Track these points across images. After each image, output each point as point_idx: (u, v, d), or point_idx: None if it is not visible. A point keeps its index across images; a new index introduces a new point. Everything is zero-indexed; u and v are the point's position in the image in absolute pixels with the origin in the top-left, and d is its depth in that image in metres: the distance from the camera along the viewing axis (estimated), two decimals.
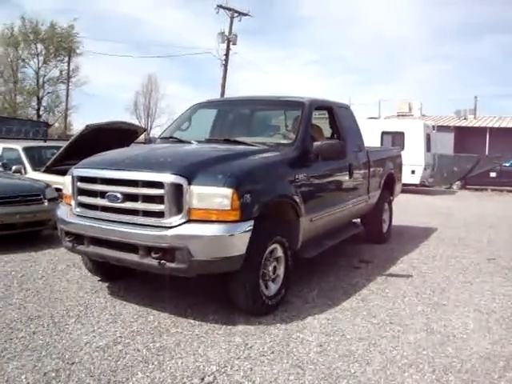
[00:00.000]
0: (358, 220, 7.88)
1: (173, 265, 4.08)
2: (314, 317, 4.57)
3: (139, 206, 4.31)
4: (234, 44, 28.32)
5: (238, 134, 5.94)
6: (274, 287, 4.68)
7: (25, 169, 9.45)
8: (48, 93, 47.99)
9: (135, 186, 4.33)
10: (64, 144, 9.73)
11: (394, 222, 9.09)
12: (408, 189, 17.33)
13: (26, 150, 10.12)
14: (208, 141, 5.97)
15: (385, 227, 8.32)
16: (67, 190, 5.02)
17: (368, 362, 3.66)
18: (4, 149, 10.59)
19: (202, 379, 3.33)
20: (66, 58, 44.74)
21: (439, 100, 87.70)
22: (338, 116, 6.58)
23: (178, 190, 4.13)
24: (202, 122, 6.87)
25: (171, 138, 6.14)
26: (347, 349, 3.89)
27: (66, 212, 4.93)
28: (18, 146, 10.37)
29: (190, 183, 4.12)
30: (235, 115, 6.87)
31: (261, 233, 4.30)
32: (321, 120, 6.77)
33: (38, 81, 46.80)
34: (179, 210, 4.13)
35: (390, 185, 8.40)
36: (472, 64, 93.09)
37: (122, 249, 4.34)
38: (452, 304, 5.07)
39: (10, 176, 8.60)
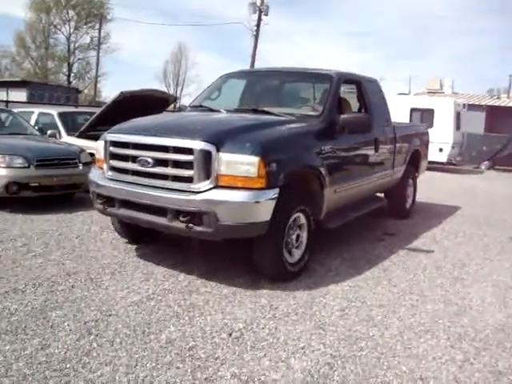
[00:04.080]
0: (382, 194, 7.98)
1: (200, 228, 4.24)
2: (336, 283, 4.77)
3: (169, 171, 4.45)
4: (265, 15, 28.08)
5: (267, 105, 6.00)
6: (296, 254, 4.84)
7: (59, 133, 9.75)
8: (78, 59, 48.80)
9: (166, 151, 4.46)
10: (96, 110, 10.01)
11: (420, 199, 9.19)
12: (435, 166, 17.28)
13: (60, 115, 10.42)
14: (237, 110, 6.07)
15: (408, 203, 8.40)
16: (100, 154, 5.18)
17: (386, 327, 3.86)
18: (40, 114, 10.90)
19: (230, 334, 3.58)
20: (97, 25, 44.96)
21: (472, 78, 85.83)
22: (365, 90, 6.67)
23: (206, 156, 4.26)
24: (231, 91, 6.97)
25: (201, 106, 6.27)
26: (367, 314, 4.09)
27: (98, 175, 5.12)
28: (53, 111, 10.68)
29: (218, 150, 4.25)
30: (264, 86, 6.95)
31: (285, 201, 4.43)
32: (350, 95, 6.87)
33: (68, 47, 47.54)
34: (207, 176, 4.26)
35: (415, 161, 8.44)
36: (508, 40, 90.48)
37: (152, 212, 4.51)
38: (471, 278, 5.22)
39: (46, 140, 8.91)
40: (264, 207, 4.26)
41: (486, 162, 22.15)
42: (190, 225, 4.25)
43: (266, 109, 5.69)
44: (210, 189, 4.25)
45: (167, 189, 4.44)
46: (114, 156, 4.93)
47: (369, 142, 6.38)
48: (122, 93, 8.86)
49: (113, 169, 4.95)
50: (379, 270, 5.27)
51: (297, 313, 4.03)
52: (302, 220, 4.87)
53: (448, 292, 4.76)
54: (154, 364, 3.13)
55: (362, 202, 6.65)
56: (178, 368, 3.08)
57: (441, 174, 16.86)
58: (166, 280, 4.63)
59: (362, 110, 6.60)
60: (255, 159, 4.19)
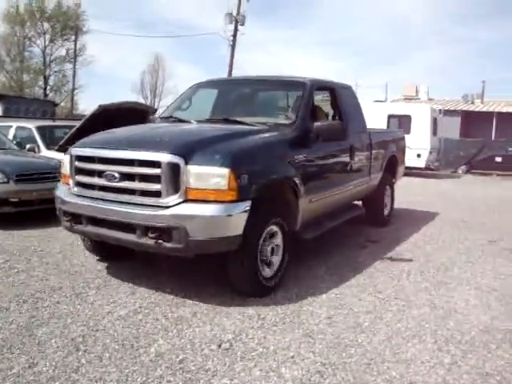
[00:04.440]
0: (360, 202, 7.88)
1: (170, 244, 4.10)
2: (322, 291, 4.79)
3: (136, 185, 4.31)
4: (241, 25, 28.18)
5: (238, 114, 5.86)
6: (272, 268, 4.70)
7: (38, 147, 9.67)
8: (55, 72, 48.21)
9: (132, 165, 4.32)
10: (75, 123, 9.93)
11: (400, 204, 9.30)
12: (413, 172, 17.51)
13: (38, 128, 10.35)
14: (208, 120, 5.93)
15: (386, 210, 8.33)
16: (65, 169, 5.01)
17: (374, 333, 3.89)
18: (17, 128, 10.80)
19: (219, 346, 3.57)
20: (73, 37, 44.79)
21: (447, 84, 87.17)
22: (339, 97, 6.57)
23: (174, 169, 4.12)
24: (202, 101, 6.83)
25: (171, 117, 6.13)
26: (354, 321, 4.12)
27: (65, 191, 4.94)
28: (31, 125, 10.60)
29: (186, 163, 4.11)
30: (236, 95, 6.81)
31: (258, 213, 4.31)
32: (326, 102, 6.85)
33: (44, 60, 46.89)
34: (176, 190, 4.13)
35: (392, 167, 8.39)
36: (480, 48, 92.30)
37: (120, 228, 4.35)
38: (455, 282, 5.28)
39: (25, 154, 8.82)
40: (236, 220, 4.14)
41: (463, 167, 22.53)
42: (160, 241, 4.11)
43: (237, 119, 5.54)
44: (180, 203, 4.13)
45: (135, 204, 4.30)
46: (80, 171, 4.78)
47: (344, 149, 6.30)
48: (100, 106, 8.77)
49: (79, 184, 4.78)
50: (364, 277, 5.31)
51: (285, 322, 4.04)
52: (277, 232, 4.73)
53: (433, 296, 4.81)
54: (144, 378, 3.11)
55: (339, 210, 6.56)
56: (169, 381, 3.07)
57: (419, 180, 17.09)
58: (151, 293, 4.60)
59: (337, 118, 6.48)
60: (225, 171, 4.07)
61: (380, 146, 7.76)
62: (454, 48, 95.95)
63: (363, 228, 7.82)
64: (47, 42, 46.81)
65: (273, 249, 4.69)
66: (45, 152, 9.51)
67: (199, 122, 5.71)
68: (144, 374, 3.15)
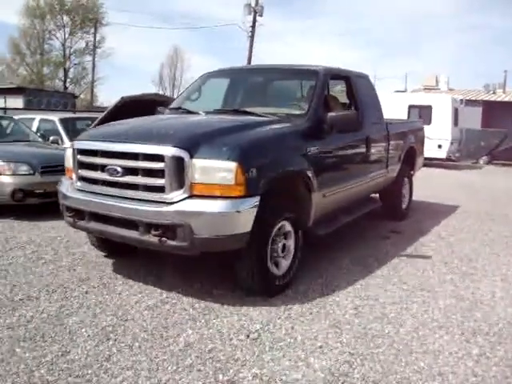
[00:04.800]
0: (377, 195, 7.71)
1: (174, 242, 3.93)
2: (348, 282, 4.81)
3: (139, 180, 4.15)
4: (260, 15, 28.12)
5: (249, 105, 5.71)
6: (283, 266, 4.53)
7: (62, 139, 9.77)
8: (74, 64, 48.88)
9: (135, 159, 4.15)
10: (96, 115, 10.03)
11: (421, 196, 9.24)
12: (434, 163, 17.38)
13: (62, 121, 10.45)
14: (217, 111, 5.70)
15: (404, 203, 8.08)
16: (68, 163, 4.86)
17: (401, 324, 3.89)
18: (41, 120, 10.92)
19: (248, 336, 3.61)
20: (92, 30, 45.00)
21: (467, 73, 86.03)
22: (355, 86, 6.30)
23: (179, 163, 3.94)
24: (212, 91, 6.62)
25: (179, 108, 5.91)
26: (381, 312, 4.13)
27: (67, 186, 4.80)
28: (55, 118, 10.70)
29: (191, 156, 3.92)
30: (246, 85, 6.57)
31: (268, 209, 4.13)
32: (343, 93, 6.66)
33: (64, 52, 47.58)
34: (181, 185, 3.95)
35: (410, 159, 8.14)
36: (502, 36, 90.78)
37: (123, 225, 4.21)
38: (480, 273, 5.26)
39: (49, 146, 8.93)
40: (243, 217, 3.94)
41: (485, 157, 22.26)
42: (163, 239, 3.94)
43: (247, 109, 5.36)
44: (184, 199, 3.95)
45: (138, 200, 4.14)
46: (83, 165, 4.62)
47: (360, 140, 6.08)
48: (122, 98, 8.82)
49: (82, 179, 4.63)
50: (388, 268, 5.31)
51: (311, 312, 4.07)
52: (288, 228, 4.55)
53: (458, 288, 4.79)
54: (175, 367, 3.16)
55: (355, 204, 6.34)
56: (199, 371, 3.11)
57: (440, 171, 16.94)
58: (178, 284, 4.65)
59: (352, 108, 6.17)
60: (232, 165, 3.87)
61: (398, 136, 7.54)
62: (474, 37, 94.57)
63: (382, 221, 7.72)
64: (67, 35, 47.53)
65: (284, 246, 4.52)
66: (68, 144, 9.60)
67: (208, 113, 5.50)
68: (174, 363, 3.20)
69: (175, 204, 3.94)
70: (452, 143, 18.42)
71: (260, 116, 5.08)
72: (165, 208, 3.95)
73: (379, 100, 7.09)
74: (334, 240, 6.03)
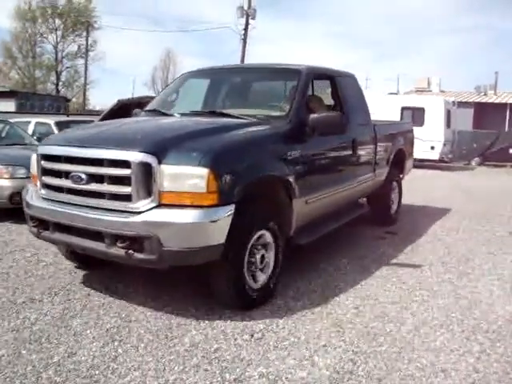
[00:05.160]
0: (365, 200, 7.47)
1: (141, 255, 3.65)
2: (347, 282, 4.86)
3: (105, 188, 3.86)
4: (252, 18, 28.23)
5: (229, 106, 5.58)
6: (261, 278, 4.25)
7: None
8: (66, 67, 48.93)
9: (100, 165, 3.87)
10: (90, 119, 10.05)
11: (415, 197, 9.31)
12: (427, 164, 17.52)
13: (57, 124, 10.51)
14: (193, 113, 5.37)
15: (393, 208, 7.76)
16: (33, 169, 4.58)
17: (402, 323, 3.95)
18: (36, 123, 10.94)
19: (252, 335, 3.65)
20: (84, 33, 45.02)
21: (459, 76, 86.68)
22: (340, 86, 6.00)
23: (146, 169, 3.66)
24: (191, 92, 6.34)
25: (154, 110, 5.60)
26: (381, 311, 4.18)
27: (32, 194, 4.53)
28: (50, 121, 10.75)
29: (160, 162, 3.65)
30: (226, 85, 6.23)
31: (244, 218, 3.89)
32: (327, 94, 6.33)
33: (56, 56, 47.61)
34: (148, 194, 3.68)
35: (399, 162, 7.82)
36: (494, 38, 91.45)
37: (88, 236, 3.93)
38: (477, 273, 5.33)
39: None
40: (216, 228, 3.68)
41: (477, 159, 22.46)
42: (130, 251, 3.66)
43: (225, 111, 5.13)
44: (152, 208, 3.67)
45: (104, 209, 3.86)
46: (46, 171, 4.32)
47: (345, 143, 5.79)
48: (119, 101, 8.86)
49: (46, 186, 4.34)
50: (387, 268, 5.37)
51: (313, 312, 4.11)
52: (268, 238, 4.28)
53: (456, 286, 4.86)
54: (181, 367, 3.19)
55: (341, 210, 6.03)
56: (206, 370, 3.15)
57: (432, 172, 17.10)
58: (180, 286, 4.67)
59: (337, 109, 5.86)
60: (204, 171, 3.59)
61: (386, 139, 7.27)
62: (465, 39, 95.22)
63: (375, 223, 7.62)
64: (59, 38, 47.44)
65: (263, 256, 4.24)
66: None
67: (183, 115, 5.25)
68: (181, 363, 3.24)
69: (142, 214, 3.67)
70: (445, 145, 18.60)
71: (238, 118, 4.81)
72: (131, 218, 3.67)
73: (366, 101, 6.83)
74: (331, 241, 6.08)
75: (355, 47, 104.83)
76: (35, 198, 4.44)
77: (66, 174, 4.09)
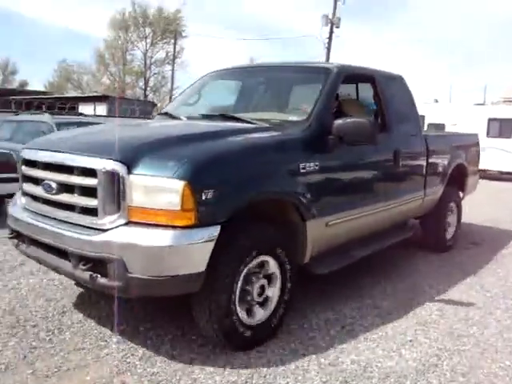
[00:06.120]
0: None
1: (105, 281, 3.12)
2: (431, 286, 5.10)
3: (73, 199, 3.38)
4: (337, 27, 28.47)
5: (246, 109, 5.07)
6: (261, 314, 3.62)
7: None
8: (154, 73, 51.15)
9: (70, 173, 3.40)
10: None
11: (504, 209, 9.18)
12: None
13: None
14: (202, 117, 4.76)
15: (449, 233, 6.76)
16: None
17: (485, 327, 4.16)
18: None
19: (343, 327, 4.01)
20: (172, 41, 47.15)
21: None
22: (382, 89, 5.29)
23: (113, 180, 3.13)
24: (209, 94, 5.72)
25: (166, 113, 5.20)
26: (465, 314, 4.40)
27: (13, 202, 4.15)
28: None
29: (130, 171, 3.10)
30: (247, 86, 5.66)
31: (236, 243, 3.35)
32: None
33: (145, 62, 49.95)
34: (117, 209, 3.13)
35: (459, 179, 6.94)
36: None
37: (57, 254, 3.44)
38: None
39: None
40: (193, 253, 3.08)
41: None
42: (95, 275, 3.14)
43: (238, 115, 4.50)
44: (119, 226, 3.13)
45: (72, 224, 3.36)
46: (26, 178, 3.91)
47: (384, 155, 5.03)
48: None
49: (25, 194, 3.92)
50: (470, 277, 5.52)
51: (398, 311, 4.40)
52: (272, 267, 3.64)
53: None
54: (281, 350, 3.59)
55: (376, 234, 5.19)
56: (303, 355, 3.52)
57: None
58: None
59: (379, 116, 5.32)
60: (178, 184, 3.00)
61: (441, 152, 6.40)
62: None
63: (465, 230, 7.74)
64: (148, 46, 49.92)
65: (263, 287, 3.61)
66: None
67: (190, 118, 4.76)
68: (281, 347, 3.64)
69: (107, 232, 3.14)
70: None
71: (248, 123, 4.24)
72: (94, 237, 3.16)
73: (416, 108, 6.02)
74: (417, 248, 6.30)
75: (439, 55, 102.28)
76: (16, 207, 4.02)
77: (40, 182, 3.67)
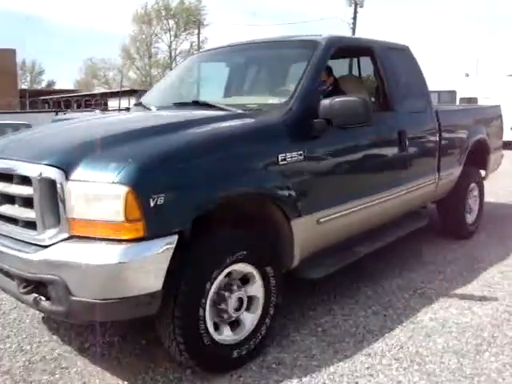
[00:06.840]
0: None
1: (48, 305, 2.71)
2: (489, 253, 5.44)
3: (14, 211, 2.97)
4: (361, 7, 28.56)
5: (226, 93, 4.75)
6: (239, 331, 3.14)
7: None
8: None
9: (9, 180, 2.98)
10: None
11: None
12: None
13: None
14: (176, 105, 4.26)
15: (470, 217, 6.12)
16: None
17: None
18: None
19: (415, 291, 4.38)
20: (195, 31, 47.67)
21: None
22: (383, 63, 4.65)
23: (50, 188, 2.69)
24: (191, 79, 5.32)
25: (140, 104, 4.73)
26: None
27: None
28: None
29: (67, 177, 2.65)
30: (228, 68, 5.13)
31: (200, 252, 2.88)
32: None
33: (170, 54, 50.80)
34: (57, 221, 2.69)
35: (479, 157, 6.24)
36: None
37: (3, 272, 3.00)
38: None
39: None
40: (144, 271, 2.61)
41: None
42: (38, 298, 2.73)
43: (211, 101, 4.04)
44: (60, 241, 2.68)
45: (14, 239, 2.93)
46: None
47: (385, 137, 4.41)
48: None
49: None
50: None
51: (462, 275, 4.77)
52: (255, 277, 3.18)
53: None
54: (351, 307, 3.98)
55: (382, 227, 4.64)
56: (384, 315, 3.91)
57: None
58: None
59: (379, 92, 4.77)
60: (120, 190, 2.53)
61: (457, 128, 5.76)
62: None
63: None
64: (172, 38, 50.72)
65: (241, 300, 3.10)
66: None
67: (161, 108, 4.33)
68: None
69: (47, 249, 2.69)
70: None
71: (222, 110, 3.79)
72: (33, 255, 2.70)
73: (425, 81, 5.27)
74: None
75: (464, 28, 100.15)
76: None
77: None
